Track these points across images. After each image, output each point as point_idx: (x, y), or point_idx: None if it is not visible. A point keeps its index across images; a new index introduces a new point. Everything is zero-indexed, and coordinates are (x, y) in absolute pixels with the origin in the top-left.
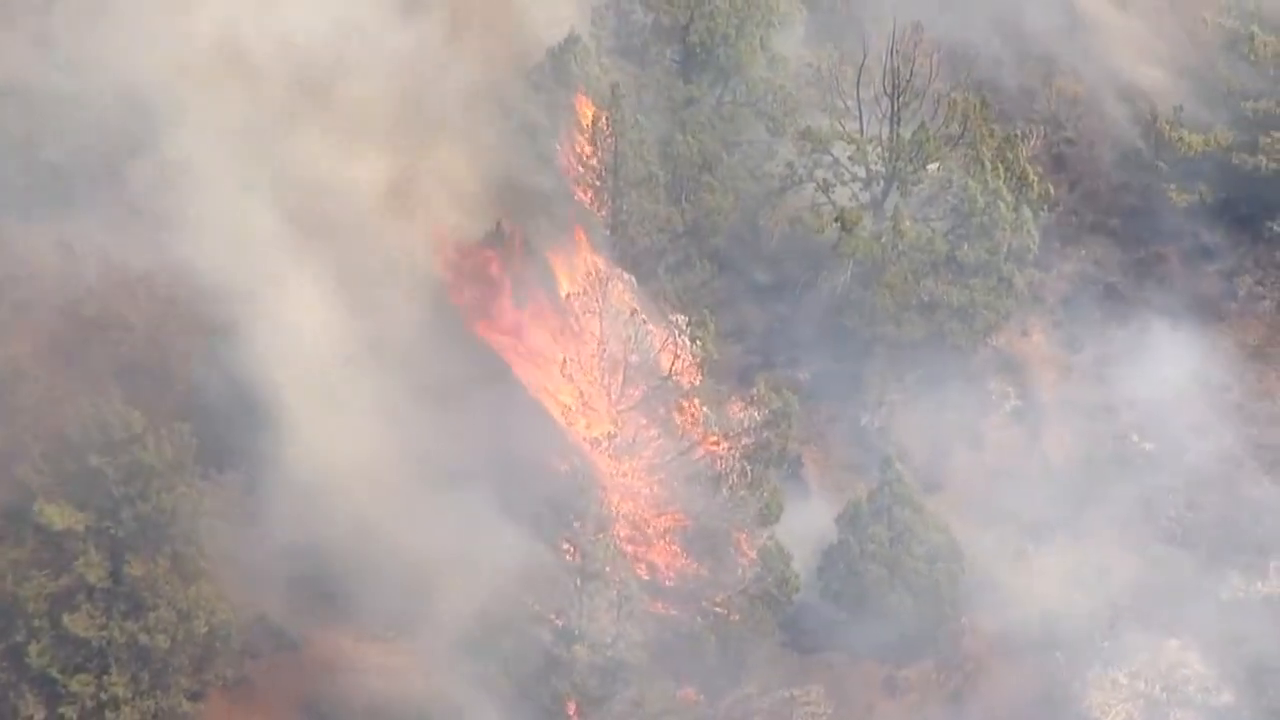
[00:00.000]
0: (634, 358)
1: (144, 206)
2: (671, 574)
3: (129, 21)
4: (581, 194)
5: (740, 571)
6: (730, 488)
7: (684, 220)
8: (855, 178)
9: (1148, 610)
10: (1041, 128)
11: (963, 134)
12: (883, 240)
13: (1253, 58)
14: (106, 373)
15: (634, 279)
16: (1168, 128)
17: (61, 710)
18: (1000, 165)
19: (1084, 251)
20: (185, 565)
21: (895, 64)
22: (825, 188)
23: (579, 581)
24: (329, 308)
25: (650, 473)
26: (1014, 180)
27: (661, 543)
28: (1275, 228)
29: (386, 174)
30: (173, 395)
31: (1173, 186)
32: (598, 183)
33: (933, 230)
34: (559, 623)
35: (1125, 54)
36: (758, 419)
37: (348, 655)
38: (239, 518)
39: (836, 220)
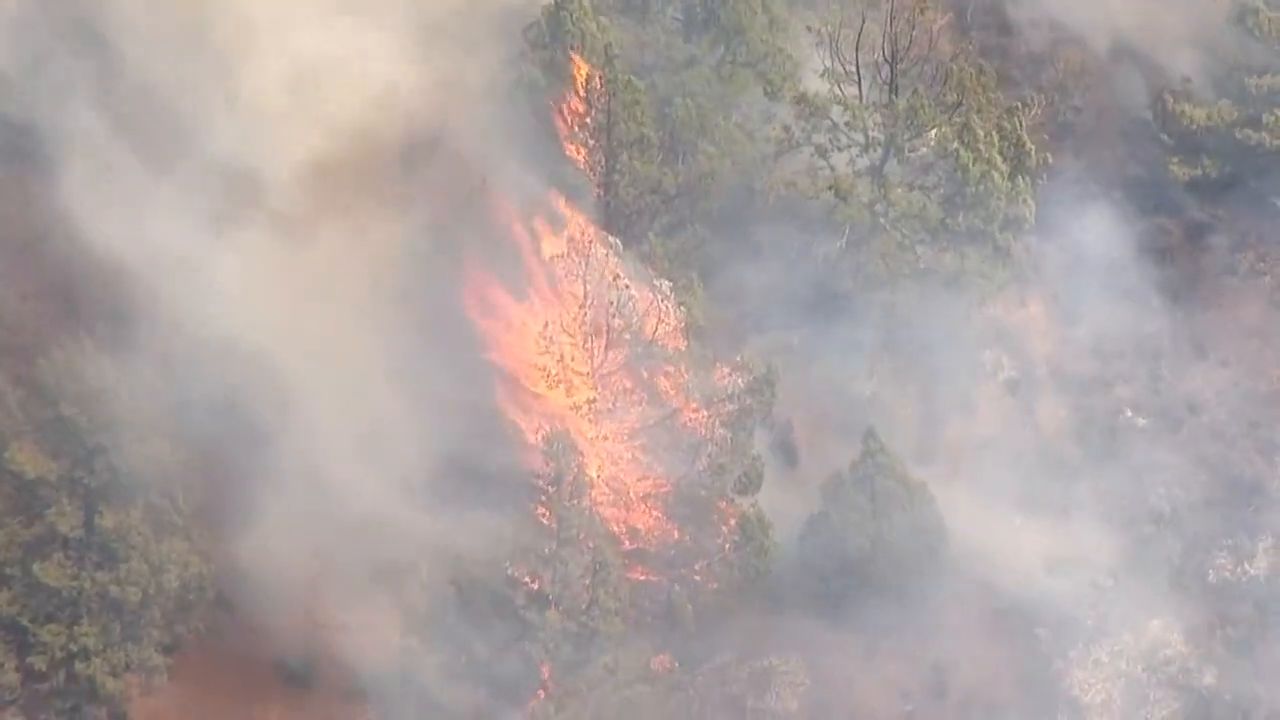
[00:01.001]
0: (617, 321)
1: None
2: (652, 540)
3: None
4: (574, 153)
5: (720, 539)
6: (709, 455)
7: (677, 182)
8: (853, 143)
9: (1133, 589)
10: (1049, 95)
11: (960, 103)
12: (875, 208)
13: (1258, 33)
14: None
15: (620, 242)
16: (1171, 100)
17: (31, 660)
18: (996, 134)
19: (1085, 222)
20: (159, 518)
21: (894, 30)
22: (822, 152)
23: (553, 546)
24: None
25: (631, 438)
26: (1011, 149)
27: (643, 507)
28: (1278, 203)
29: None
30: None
31: (1176, 160)
32: (591, 142)
33: (927, 198)
34: (533, 586)
35: (1137, 22)
36: (740, 385)
37: (323, 610)
38: None
39: (829, 188)
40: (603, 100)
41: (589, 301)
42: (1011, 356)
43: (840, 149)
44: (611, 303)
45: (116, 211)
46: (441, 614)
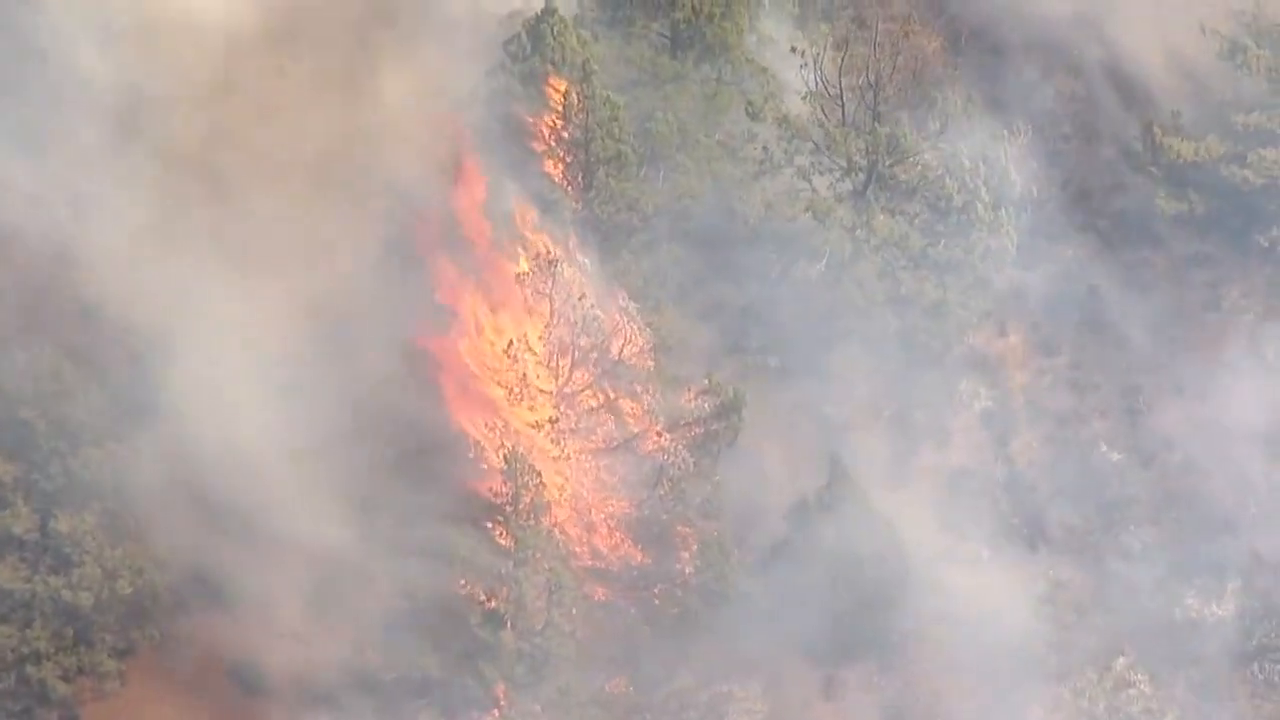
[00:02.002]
0: (583, 340)
1: None
2: (614, 560)
3: None
4: (552, 168)
5: (680, 564)
6: (671, 480)
7: (656, 200)
8: (835, 166)
9: (1098, 626)
10: (1039, 122)
11: (943, 130)
12: (856, 233)
13: (1247, 70)
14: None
15: (589, 261)
16: (1160, 133)
17: None
18: (982, 164)
19: (1070, 252)
20: (114, 523)
21: (879, 54)
22: (804, 175)
23: (510, 566)
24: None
25: (595, 457)
26: (996, 178)
27: (605, 528)
28: (1262, 242)
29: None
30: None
31: (1163, 193)
32: (568, 158)
33: (909, 225)
34: (489, 605)
35: (1130, 52)
36: (707, 409)
37: (279, 621)
38: None
39: (807, 210)
40: (580, 116)
41: (555, 319)
42: (989, 386)
43: (821, 172)
44: (576, 322)
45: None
46: (396, 629)
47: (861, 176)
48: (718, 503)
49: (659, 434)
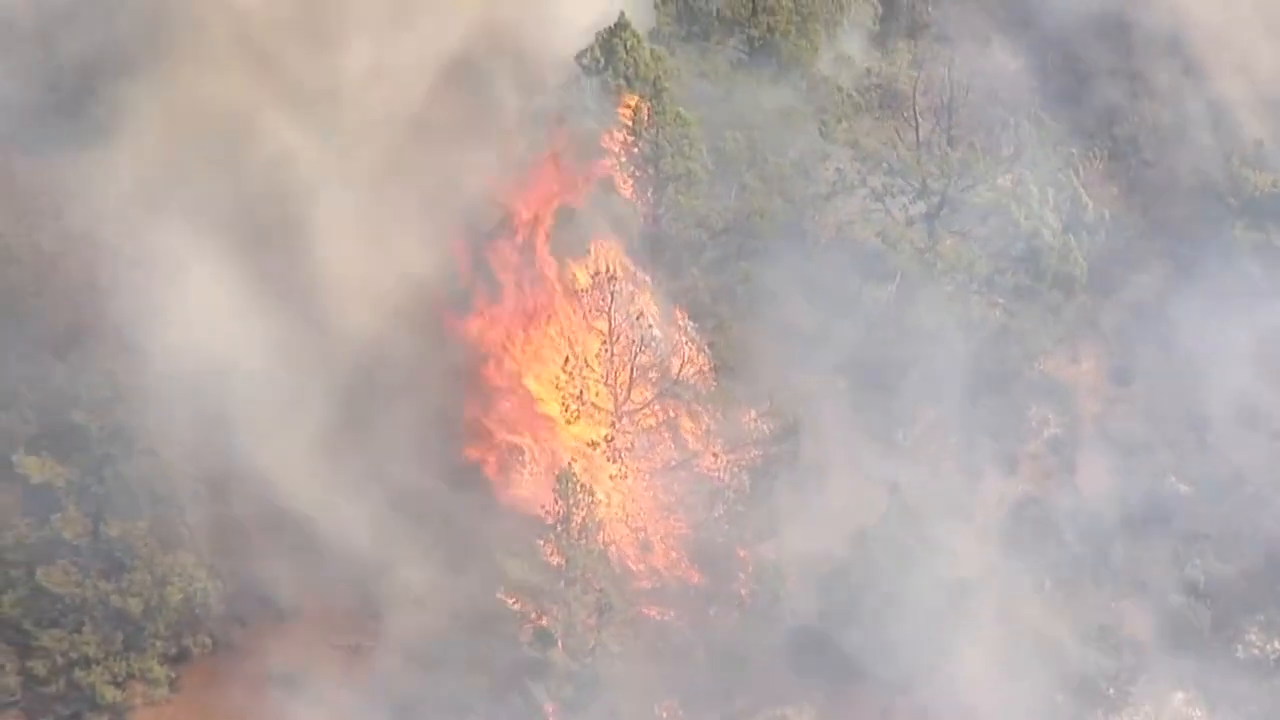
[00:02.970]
0: (642, 358)
1: None
2: (670, 580)
3: None
4: (621, 184)
5: (736, 585)
6: (727, 502)
7: (725, 217)
8: (909, 188)
9: (1159, 659)
10: (1121, 148)
11: (1016, 155)
12: (926, 257)
13: None
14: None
15: (650, 278)
16: (1237, 164)
17: (30, 664)
18: (1051, 190)
19: (1147, 279)
20: (165, 530)
21: (951, 79)
22: (877, 196)
23: (561, 585)
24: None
25: (653, 477)
26: (1067, 204)
27: (661, 548)
28: None
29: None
30: None
31: (1240, 223)
32: (638, 173)
33: (979, 250)
34: (540, 623)
35: (1216, 80)
36: (767, 432)
37: (330, 633)
38: None
39: (877, 235)
40: (650, 131)
41: (615, 337)
42: (1059, 414)
43: (893, 195)
44: (634, 341)
45: None
46: (445, 645)
47: (936, 200)
48: (775, 526)
49: (716, 455)
